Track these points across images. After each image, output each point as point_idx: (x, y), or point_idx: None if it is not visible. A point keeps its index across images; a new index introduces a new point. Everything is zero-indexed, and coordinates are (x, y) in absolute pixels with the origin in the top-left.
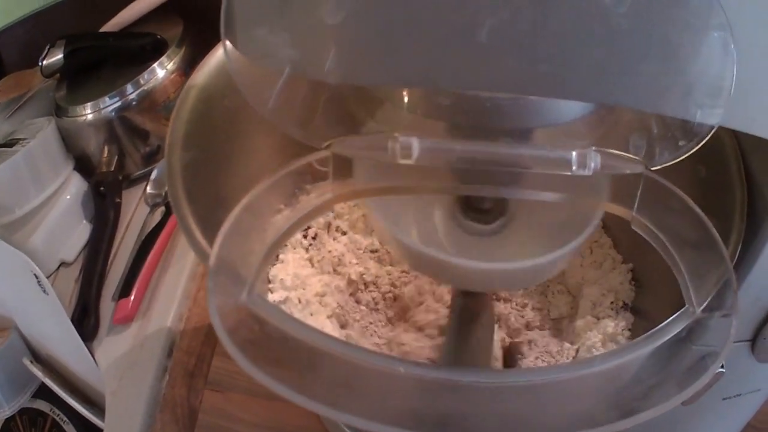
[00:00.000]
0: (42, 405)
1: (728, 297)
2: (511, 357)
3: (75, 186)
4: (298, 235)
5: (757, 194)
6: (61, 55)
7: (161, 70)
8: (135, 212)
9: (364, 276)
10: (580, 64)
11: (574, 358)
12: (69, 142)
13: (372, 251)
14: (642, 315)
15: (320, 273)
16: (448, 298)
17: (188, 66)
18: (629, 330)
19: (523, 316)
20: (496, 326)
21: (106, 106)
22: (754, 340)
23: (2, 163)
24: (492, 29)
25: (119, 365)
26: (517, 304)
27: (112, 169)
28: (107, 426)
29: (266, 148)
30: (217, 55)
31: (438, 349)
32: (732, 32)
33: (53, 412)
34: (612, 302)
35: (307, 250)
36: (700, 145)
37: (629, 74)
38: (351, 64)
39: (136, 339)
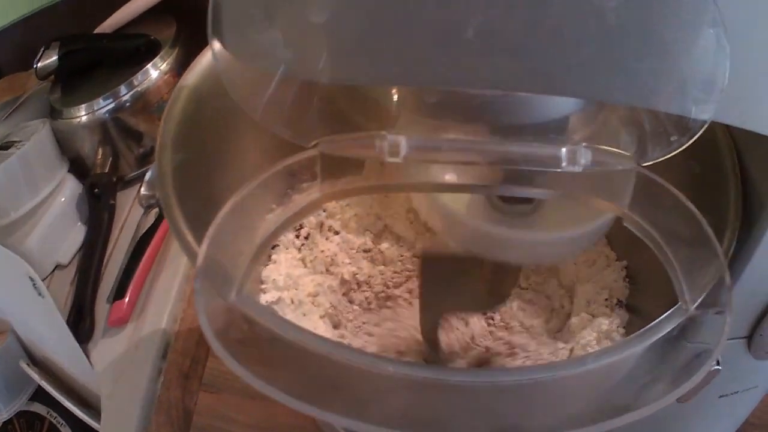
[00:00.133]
0: (39, 408)
1: (722, 294)
2: (502, 357)
3: (70, 188)
4: (291, 235)
5: (751, 190)
6: (55, 57)
7: (155, 71)
8: (129, 214)
9: (356, 276)
10: (571, 60)
11: (568, 357)
12: (63, 144)
13: (365, 251)
14: (637, 312)
15: (313, 273)
16: None
17: (181, 67)
18: (624, 327)
19: (517, 315)
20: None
21: (100, 108)
22: (750, 337)
23: None
24: (481, 26)
25: (114, 367)
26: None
27: (107, 170)
28: (103, 428)
29: (258, 149)
30: (209, 55)
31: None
32: (725, 27)
33: (50, 415)
34: (606, 299)
35: (299, 250)
36: (692, 141)
37: (620, 70)
38: (339, 63)
39: (131, 341)
